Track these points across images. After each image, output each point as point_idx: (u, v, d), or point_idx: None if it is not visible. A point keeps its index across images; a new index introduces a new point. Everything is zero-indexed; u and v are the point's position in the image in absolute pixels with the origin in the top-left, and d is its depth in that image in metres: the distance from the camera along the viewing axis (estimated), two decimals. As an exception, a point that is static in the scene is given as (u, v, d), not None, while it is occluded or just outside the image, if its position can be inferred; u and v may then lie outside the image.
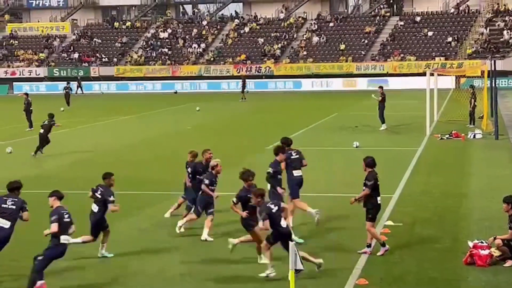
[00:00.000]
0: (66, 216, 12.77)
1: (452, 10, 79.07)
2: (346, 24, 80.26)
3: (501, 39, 71.92)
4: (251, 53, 77.64)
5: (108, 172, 15.18)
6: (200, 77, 75.58)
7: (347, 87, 70.27)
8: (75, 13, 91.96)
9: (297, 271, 11.29)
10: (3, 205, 13.29)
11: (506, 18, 74.61)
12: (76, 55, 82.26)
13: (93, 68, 79.46)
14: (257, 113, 48.84)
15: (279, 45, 77.69)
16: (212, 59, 77.87)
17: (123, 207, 15.43)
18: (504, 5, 76.75)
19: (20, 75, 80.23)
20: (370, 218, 14.70)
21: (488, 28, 73.36)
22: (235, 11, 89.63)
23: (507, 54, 69.34)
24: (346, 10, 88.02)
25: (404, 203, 19.44)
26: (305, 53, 75.70)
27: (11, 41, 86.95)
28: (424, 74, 39.67)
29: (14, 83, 78.16)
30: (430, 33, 75.13)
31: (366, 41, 76.28)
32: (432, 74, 38.61)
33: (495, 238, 14.17)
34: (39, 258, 12.59)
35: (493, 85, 38.08)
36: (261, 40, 79.15)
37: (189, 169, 17.41)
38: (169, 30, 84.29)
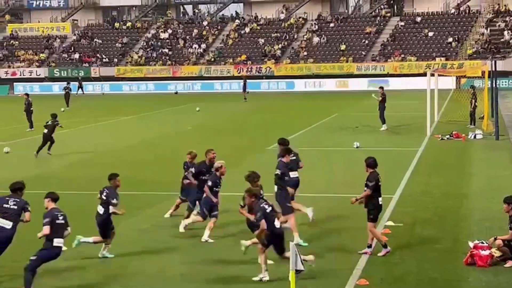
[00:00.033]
0: (61, 218, 12.73)
1: (453, 11, 79.07)
2: (347, 25, 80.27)
3: (502, 40, 71.92)
4: (252, 54, 77.65)
5: (113, 173, 15.16)
6: (200, 78, 75.58)
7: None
8: (76, 13, 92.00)
9: (297, 271, 11.28)
10: (5, 205, 13.27)
11: (507, 19, 74.61)
12: (76, 56, 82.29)
13: (94, 68, 79.47)
14: (257, 113, 48.83)
15: (280, 46, 77.69)
16: (212, 59, 77.88)
17: (123, 207, 15.39)
18: (505, 5, 76.76)
19: (20, 75, 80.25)
20: (371, 218, 14.68)
21: (488, 29, 73.35)
22: (236, 11, 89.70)
23: (507, 54, 69.34)
24: (346, 11, 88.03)
25: (405, 204, 19.43)
26: (305, 53, 75.70)
27: (12, 41, 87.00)
28: (424, 74, 39.68)
29: (14, 83, 78.18)
30: (430, 34, 75.13)
31: (366, 42, 76.30)
32: (432, 75, 38.60)
33: (495, 239, 14.16)
34: (32, 258, 12.61)
35: (494, 85, 38.11)
36: (261, 41, 79.16)
37: (193, 169, 17.35)
38: (170, 31, 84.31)
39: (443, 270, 13.71)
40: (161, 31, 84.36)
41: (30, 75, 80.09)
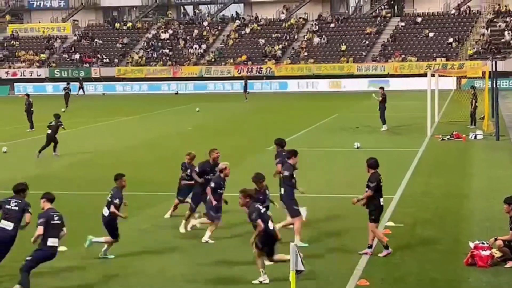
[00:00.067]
0: (56, 218, 12.72)
1: (453, 11, 79.04)
2: (347, 25, 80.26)
3: (502, 40, 71.90)
4: (252, 54, 77.65)
5: (119, 173, 15.15)
6: (201, 78, 75.58)
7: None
8: (76, 14, 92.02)
9: (298, 272, 11.27)
10: (7, 206, 13.30)
11: (507, 19, 74.58)
12: (77, 56, 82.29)
13: (94, 69, 79.47)
14: (258, 113, 48.82)
15: (280, 46, 77.69)
16: (213, 60, 77.88)
17: (126, 210, 15.34)
18: (505, 6, 76.73)
19: (21, 76, 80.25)
20: (373, 219, 14.66)
21: (489, 29, 73.33)
22: (236, 12, 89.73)
23: (508, 55, 69.32)
24: (347, 11, 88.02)
25: (405, 204, 19.41)
26: (306, 54, 75.70)
27: (12, 42, 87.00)
28: (425, 75, 39.75)
29: (15, 83, 78.18)
30: (431, 34, 75.11)
31: (367, 42, 76.29)
32: (433, 75, 38.59)
33: (496, 239, 14.15)
34: (27, 258, 12.61)
35: (494, 86, 38.12)
36: (262, 41, 79.16)
37: (197, 169, 17.26)
38: (170, 31, 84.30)
39: (444, 271, 13.70)
40: (162, 32, 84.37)
41: (31, 75, 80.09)
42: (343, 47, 75.44)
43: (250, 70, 74.30)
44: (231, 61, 76.64)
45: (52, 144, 29.93)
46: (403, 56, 72.54)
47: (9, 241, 13.26)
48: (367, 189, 14.63)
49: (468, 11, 78.28)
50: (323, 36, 78.21)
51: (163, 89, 74.92)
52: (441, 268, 13.82)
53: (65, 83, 62.04)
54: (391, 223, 17.03)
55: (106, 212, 14.81)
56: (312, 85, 71.82)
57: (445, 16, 78.51)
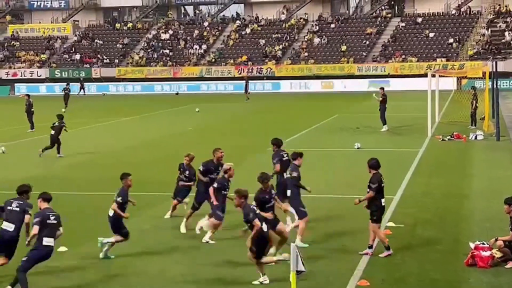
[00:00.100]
0: (52, 218, 12.71)
1: (454, 11, 79.03)
2: (348, 25, 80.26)
3: (503, 40, 71.90)
4: (253, 54, 77.65)
5: (125, 173, 15.17)
6: (201, 78, 75.56)
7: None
8: (77, 14, 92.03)
9: (298, 272, 11.27)
10: (9, 208, 13.34)
11: (508, 19, 74.57)
12: (77, 56, 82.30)
13: (95, 69, 79.47)
14: (258, 114, 48.81)
15: (281, 46, 77.69)
16: (213, 60, 77.88)
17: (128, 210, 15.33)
18: (506, 6, 76.73)
19: (21, 76, 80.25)
20: (375, 220, 14.65)
21: (489, 29, 73.33)
22: (237, 12, 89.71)
23: (508, 55, 69.32)
24: (347, 11, 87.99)
25: (406, 204, 19.41)
26: (306, 54, 75.70)
27: (13, 42, 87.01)
28: (425, 75, 39.74)
29: (15, 84, 78.19)
30: (431, 34, 75.10)
31: (367, 42, 76.28)
32: (433, 75, 38.61)
33: (496, 240, 14.14)
34: (23, 259, 12.60)
35: (495, 86, 38.12)
36: (262, 41, 79.16)
37: (201, 168, 17.16)
38: (171, 31, 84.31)
39: (444, 271, 13.69)
40: (162, 32, 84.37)
41: (31, 76, 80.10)
42: (344, 48, 75.44)
43: (250, 70, 74.28)
44: (232, 61, 76.65)
45: (56, 145, 29.90)
46: (403, 56, 72.53)
47: (10, 242, 13.25)
48: (368, 190, 14.61)
49: (468, 12, 78.28)
50: (324, 36, 78.20)
51: (164, 90, 74.91)
52: (442, 269, 13.82)
53: (65, 83, 62.05)
54: (391, 224, 17.02)
55: (111, 212, 14.82)
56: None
57: (446, 17, 78.51)
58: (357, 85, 69.71)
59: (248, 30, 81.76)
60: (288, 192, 15.83)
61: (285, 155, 17.27)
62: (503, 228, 15.11)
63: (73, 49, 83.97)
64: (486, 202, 19.55)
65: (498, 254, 13.94)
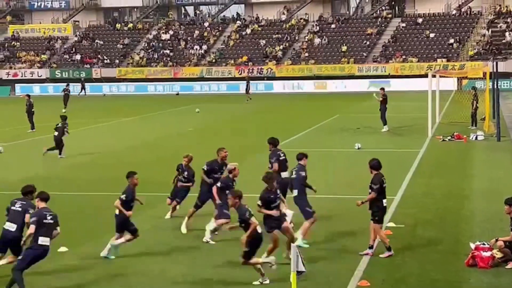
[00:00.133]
0: (49, 217, 12.70)
1: (454, 12, 79.03)
2: (348, 26, 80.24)
3: (503, 41, 71.88)
4: (253, 55, 77.63)
5: (131, 171, 15.23)
6: (201, 79, 75.54)
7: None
8: (77, 14, 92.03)
9: (298, 272, 11.26)
10: (12, 208, 13.40)
11: (508, 20, 74.56)
12: (78, 57, 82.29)
13: (95, 69, 79.47)
14: (258, 114, 48.80)
15: (281, 47, 77.68)
16: (213, 60, 77.88)
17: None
18: (506, 6, 76.72)
19: (22, 76, 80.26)
20: (376, 220, 14.62)
21: (490, 30, 73.32)
22: (237, 12, 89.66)
23: (509, 55, 69.32)
24: (348, 12, 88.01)
25: (406, 205, 19.40)
26: (306, 54, 75.69)
27: (13, 42, 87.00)
28: (426, 75, 39.73)
29: (16, 84, 78.20)
30: (432, 35, 75.09)
31: (368, 43, 76.27)
32: (434, 76, 38.59)
33: (497, 240, 14.13)
34: (19, 258, 12.59)
35: (495, 86, 38.10)
36: (262, 42, 79.15)
37: (205, 167, 17.08)
38: (171, 32, 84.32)
39: (445, 272, 13.68)
40: (163, 32, 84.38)
41: (32, 76, 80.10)
42: (344, 48, 75.42)
43: (251, 71, 74.26)
44: (232, 62, 76.64)
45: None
46: (404, 56, 72.52)
47: (12, 242, 13.25)
48: (370, 191, 14.58)
49: (469, 12, 78.27)
50: (324, 36, 78.20)
51: (165, 90, 74.92)
52: (442, 269, 13.81)
53: (65, 84, 62.03)
54: (392, 224, 17.01)
55: (117, 210, 14.83)
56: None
57: (446, 17, 78.49)
58: (358, 85, 69.69)
59: (248, 31, 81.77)
60: (295, 192, 15.81)
61: (282, 155, 17.26)
62: (504, 228, 15.11)
63: (74, 49, 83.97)
64: (486, 203, 19.54)
65: (498, 255, 13.93)
